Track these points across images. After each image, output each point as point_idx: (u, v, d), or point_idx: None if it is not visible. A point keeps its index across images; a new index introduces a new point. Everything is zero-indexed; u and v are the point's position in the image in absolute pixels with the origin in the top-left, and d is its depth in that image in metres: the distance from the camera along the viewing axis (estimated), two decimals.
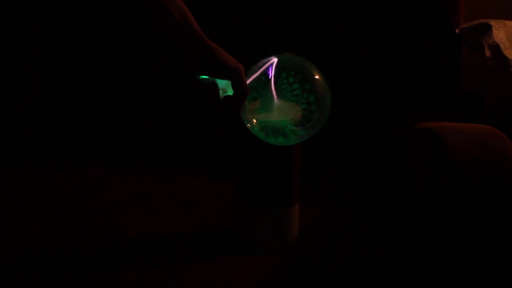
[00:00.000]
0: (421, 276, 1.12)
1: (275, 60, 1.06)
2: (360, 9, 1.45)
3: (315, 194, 1.31)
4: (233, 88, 1.01)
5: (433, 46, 1.44)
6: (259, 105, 1.08)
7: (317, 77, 1.07)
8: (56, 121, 1.45)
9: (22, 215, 1.24)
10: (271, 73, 1.07)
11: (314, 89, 1.07)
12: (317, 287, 1.10)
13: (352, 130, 1.47)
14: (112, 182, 1.35)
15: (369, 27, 1.46)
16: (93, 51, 1.44)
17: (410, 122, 1.32)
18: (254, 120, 1.07)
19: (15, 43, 1.39)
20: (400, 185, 1.32)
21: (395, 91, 1.46)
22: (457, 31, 1.43)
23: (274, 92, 1.07)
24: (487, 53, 1.36)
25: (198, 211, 1.26)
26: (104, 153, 1.44)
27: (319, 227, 1.23)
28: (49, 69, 1.44)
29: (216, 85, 1.00)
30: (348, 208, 1.29)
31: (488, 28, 1.38)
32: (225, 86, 1.01)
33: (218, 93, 1.00)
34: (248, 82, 1.03)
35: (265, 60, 1.07)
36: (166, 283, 1.08)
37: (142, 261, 1.13)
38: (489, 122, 1.24)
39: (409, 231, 1.20)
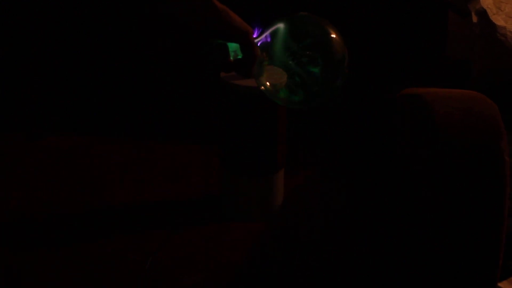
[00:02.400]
0: (408, 246, 1.12)
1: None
2: None
3: (301, 161, 1.31)
4: (242, 51, 0.99)
5: (420, 12, 1.42)
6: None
7: (333, 35, 1.05)
8: (39, 87, 1.44)
9: (3, 183, 1.23)
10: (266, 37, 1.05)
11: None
12: (301, 253, 1.10)
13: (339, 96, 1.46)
14: (94, 149, 1.34)
15: None
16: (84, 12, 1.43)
17: (396, 89, 1.31)
18: (268, 83, 1.05)
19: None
20: (386, 152, 1.32)
21: (381, 58, 1.45)
22: None
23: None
24: (474, 19, 1.35)
25: (182, 178, 1.26)
26: (86, 121, 1.43)
27: (304, 194, 1.23)
28: (31, 32, 1.43)
29: (226, 48, 0.98)
30: (334, 175, 1.29)
31: None
32: (236, 49, 0.99)
33: (229, 56, 0.98)
34: (256, 41, 1.01)
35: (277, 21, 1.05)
36: (150, 251, 1.07)
37: (126, 230, 1.12)
38: (476, 89, 1.23)
39: (395, 200, 1.20)
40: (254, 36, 1.03)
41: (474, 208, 1.05)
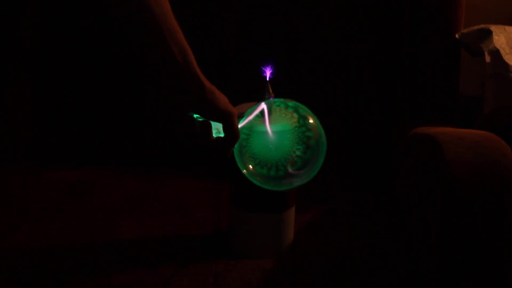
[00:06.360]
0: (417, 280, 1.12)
1: (264, 107, 1.05)
2: (361, 12, 1.45)
3: (312, 198, 1.30)
4: (224, 131, 1.01)
5: (433, 50, 1.43)
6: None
7: (311, 121, 1.06)
8: (49, 121, 1.44)
9: (11, 216, 1.23)
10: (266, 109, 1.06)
11: (312, 131, 1.06)
12: None
13: (350, 132, 1.47)
14: (104, 183, 1.34)
15: (369, 30, 1.45)
16: (91, 49, 1.43)
17: (408, 126, 1.31)
18: (250, 166, 1.06)
19: (9, 43, 1.39)
20: (395, 188, 1.32)
21: (394, 94, 1.45)
22: (457, 36, 1.42)
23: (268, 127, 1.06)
24: (487, 59, 1.35)
25: (192, 213, 1.25)
26: (96, 154, 1.43)
27: (314, 231, 1.22)
28: (43, 69, 1.43)
29: (209, 125, 1.00)
30: (344, 213, 1.28)
31: (489, 33, 1.37)
32: (219, 126, 1.01)
33: (211, 133, 1.00)
34: (240, 126, 1.03)
35: (260, 104, 1.06)
36: (158, 286, 1.06)
37: (134, 264, 1.12)
38: (488, 128, 1.23)
39: (404, 236, 1.20)
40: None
41: (486, 249, 1.05)
